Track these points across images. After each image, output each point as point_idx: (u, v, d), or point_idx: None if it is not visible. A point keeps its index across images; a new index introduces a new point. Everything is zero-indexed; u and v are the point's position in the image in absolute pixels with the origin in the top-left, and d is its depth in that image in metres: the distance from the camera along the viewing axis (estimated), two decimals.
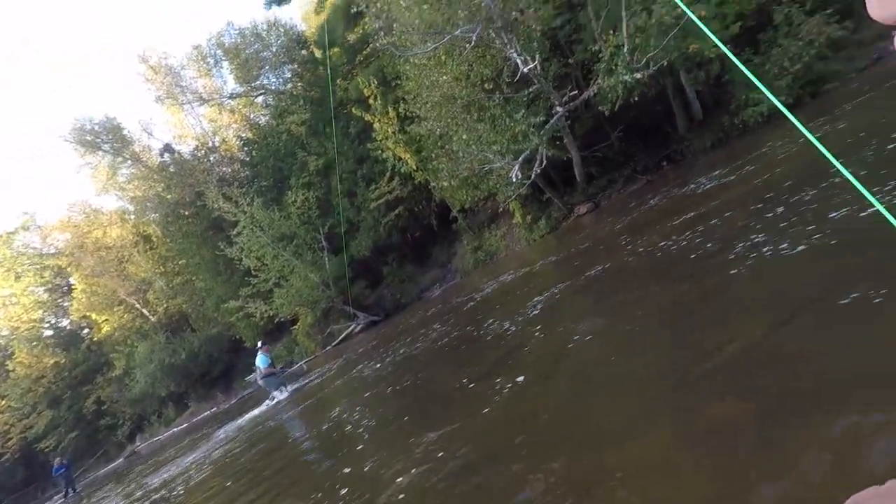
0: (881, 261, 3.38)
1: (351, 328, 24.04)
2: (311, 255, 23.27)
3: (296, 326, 26.95)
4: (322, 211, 22.69)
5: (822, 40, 13.37)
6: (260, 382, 15.06)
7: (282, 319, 25.48)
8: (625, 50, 12.82)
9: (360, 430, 6.02)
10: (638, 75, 12.90)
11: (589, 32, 14.36)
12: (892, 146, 5.77)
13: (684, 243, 6.43)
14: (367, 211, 22.79)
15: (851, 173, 1.30)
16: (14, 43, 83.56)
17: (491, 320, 8.34)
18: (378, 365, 10.73)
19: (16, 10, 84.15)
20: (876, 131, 6.80)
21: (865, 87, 11.20)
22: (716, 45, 12.89)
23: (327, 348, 24.27)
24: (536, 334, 6.09)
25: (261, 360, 14.31)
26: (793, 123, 1.45)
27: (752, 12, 13.98)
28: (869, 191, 1.18)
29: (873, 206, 1.11)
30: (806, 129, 1.40)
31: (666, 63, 13.12)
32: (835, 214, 4.54)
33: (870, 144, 6.17)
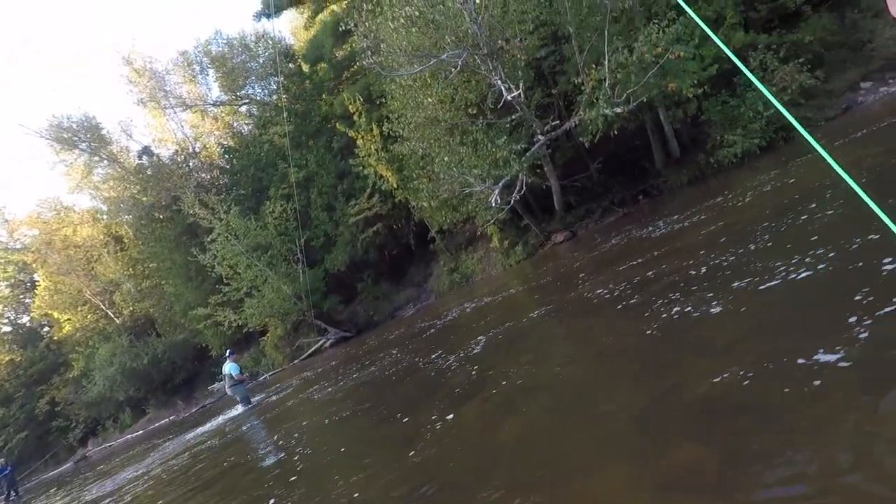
0: (843, 308, 3.39)
1: (321, 343, 23.65)
2: (285, 267, 22.95)
3: (265, 337, 26.42)
4: (299, 223, 22.47)
5: (795, 87, 13.84)
6: (228, 391, 14.70)
7: (250, 329, 24.97)
8: (606, 84, 13.05)
9: (297, 459, 5.81)
10: (618, 110, 13.13)
11: (572, 65, 14.62)
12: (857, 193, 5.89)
13: (657, 279, 6.44)
14: (345, 226, 22.62)
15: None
16: (14, 43, 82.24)
17: (458, 345, 8.23)
18: (331, 388, 10.49)
19: (16, 10, 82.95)
20: (836, 180, 6.96)
21: (835, 136, 11.57)
22: (693, 84, 13.28)
23: (295, 362, 23.80)
24: (501, 364, 6.00)
25: (231, 368, 13.97)
26: (807, 142, 1.41)
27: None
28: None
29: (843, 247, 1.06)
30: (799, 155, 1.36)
31: (645, 100, 13.40)
32: (797, 258, 4.58)
33: (837, 189, 6.31)
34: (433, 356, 8.42)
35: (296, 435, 7.58)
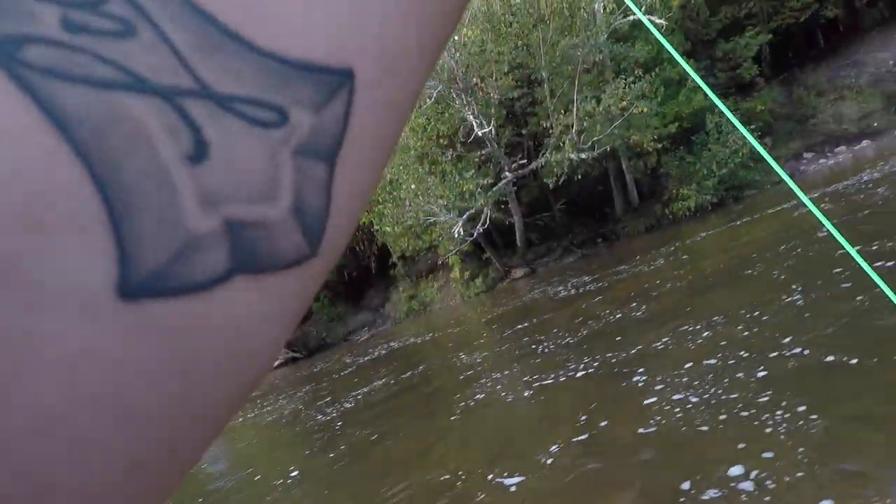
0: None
1: None
2: None
3: None
4: None
5: (746, 151, 14.76)
6: None
7: None
8: (574, 130, 13.59)
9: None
10: (583, 155, 13.65)
11: (543, 109, 15.16)
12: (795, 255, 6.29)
13: (609, 323, 6.61)
14: None
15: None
16: None
17: (408, 377, 8.15)
18: (271, 409, 10.15)
19: None
20: (773, 241, 7.44)
21: (781, 200, 12.36)
22: (654, 139, 14.01)
23: None
24: (443, 402, 5.96)
25: None
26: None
27: (689, 116, 15.32)
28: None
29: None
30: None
31: (609, 149, 14.01)
32: (722, 315, 4.81)
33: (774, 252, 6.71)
34: (379, 383, 8.29)
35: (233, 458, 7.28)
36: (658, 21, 14.12)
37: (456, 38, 13.56)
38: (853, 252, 1.13)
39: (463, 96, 14.12)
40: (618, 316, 6.82)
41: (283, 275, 0.15)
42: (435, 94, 13.86)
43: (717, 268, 7.53)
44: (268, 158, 0.14)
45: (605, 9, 14.48)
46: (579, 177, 14.72)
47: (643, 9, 14.29)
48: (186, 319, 0.13)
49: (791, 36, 19.64)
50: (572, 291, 10.51)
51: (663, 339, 5.13)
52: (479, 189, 14.72)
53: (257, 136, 0.14)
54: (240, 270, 0.14)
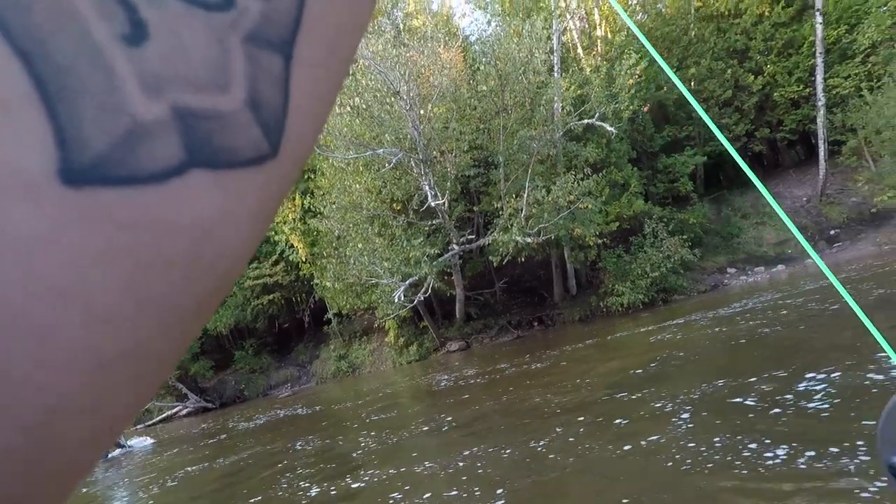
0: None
1: (176, 410, 21.07)
2: None
3: None
4: None
5: (677, 258, 15.77)
6: None
7: None
8: (522, 215, 14.15)
9: None
10: (529, 239, 14.14)
11: (496, 190, 15.79)
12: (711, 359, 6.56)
13: (531, 408, 6.56)
14: (239, 287, 21.35)
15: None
16: None
17: (322, 447, 7.67)
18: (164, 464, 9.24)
19: None
20: (700, 344, 7.80)
21: (708, 307, 13.12)
22: (596, 234, 14.77)
23: (138, 426, 20.83)
24: (356, 480, 5.62)
25: None
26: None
27: (629, 218, 16.35)
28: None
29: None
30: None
31: (553, 237, 14.60)
32: (647, 407, 4.89)
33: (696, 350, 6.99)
34: (277, 446, 7.75)
35: None
36: (609, 128, 15.37)
37: (422, 111, 14.16)
38: (876, 333, 0.98)
39: (422, 166, 14.53)
40: (538, 401, 6.81)
41: (242, 172, 0.15)
42: (395, 161, 14.19)
43: (636, 367, 7.75)
44: (215, 43, 0.14)
45: (562, 109, 15.64)
46: (523, 259, 15.16)
47: (596, 116, 15.56)
48: (141, 211, 0.13)
49: (723, 162, 21.79)
50: (504, 373, 10.48)
51: (574, 433, 5.12)
52: (425, 257, 14.81)
53: (201, 19, 0.14)
54: (195, 164, 0.14)
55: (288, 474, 6.57)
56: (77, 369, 0.12)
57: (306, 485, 5.82)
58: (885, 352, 0.90)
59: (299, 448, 8.05)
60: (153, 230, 0.13)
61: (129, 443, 14.99)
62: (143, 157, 0.13)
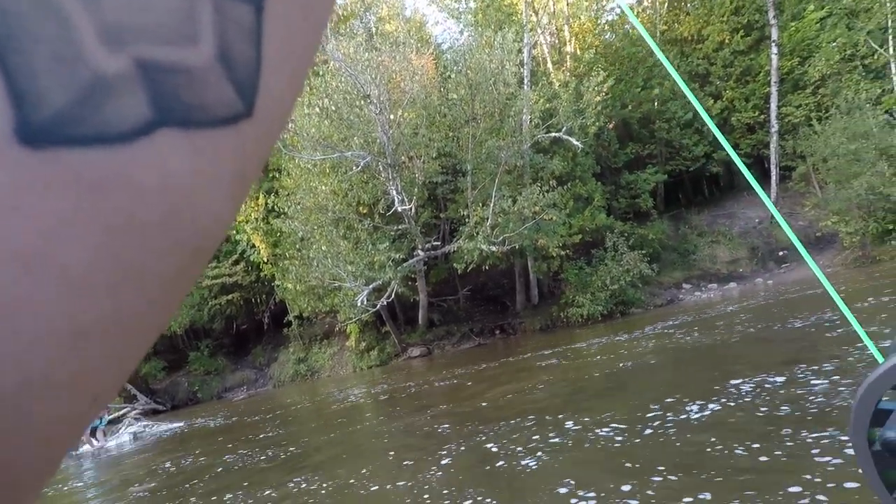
0: None
1: (124, 412, 20.20)
2: None
3: None
4: None
5: (636, 272, 16.20)
6: None
7: None
8: (488, 224, 14.28)
9: None
10: (493, 248, 14.27)
11: (463, 198, 15.90)
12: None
13: (487, 419, 6.59)
14: (197, 286, 20.70)
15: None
16: None
17: (276, 455, 7.50)
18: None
19: None
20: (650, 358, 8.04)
21: (664, 318, 13.52)
22: (559, 246, 15.04)
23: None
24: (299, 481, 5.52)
25: None
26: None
27: (591, 231, 16.73)
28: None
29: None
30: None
31: (518, 246, 14.79)
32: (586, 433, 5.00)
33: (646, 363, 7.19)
34: (252, 458, 7.56)
35: None
36: (575, 143, 15.72)
37: (392, 116, 14.15)
38: (860, 331, 1.05)
39: (389, 171, 14.49)
40: (493, 407, 6.87)
41: (215, 132, 0.14)
42: (363, 164, 14.11)
43: (592, 376, 7.92)
44: None
45: (531, 121, 15.90)
46: (487, 267, 15.29)
47: (563, 130, 15.89)
48: (108, 173, 0.12)
49: (682, 181, 22.61)
50: (465, 380, 10.52)
51: (539, 439, 5.18)
52: (390, 262, 14.75)
53: None
54: (164, 123, 0.13)
55: (233, 477, 6.40)
56: (53, 340, 0.12)
57: (252, 487, 5.68)
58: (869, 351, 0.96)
59: (246, 452, 7.86)
60: (123, 193, 0.12)
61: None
62: (108, 115, 0.12)
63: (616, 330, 12.97)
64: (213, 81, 0.14)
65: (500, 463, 4.79)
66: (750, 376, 5.78)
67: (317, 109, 13.90)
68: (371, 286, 14.78)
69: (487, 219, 14.35)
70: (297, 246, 16.85)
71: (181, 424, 14.10)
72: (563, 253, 15.41)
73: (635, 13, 23.76)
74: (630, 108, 20.45)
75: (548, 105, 16.76)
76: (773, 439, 3.96)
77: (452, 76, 15.51)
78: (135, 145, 0.13)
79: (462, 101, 15.28)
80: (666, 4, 22.49)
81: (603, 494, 3.71)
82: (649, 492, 3.58)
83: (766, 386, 5.34)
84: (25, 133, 0.11)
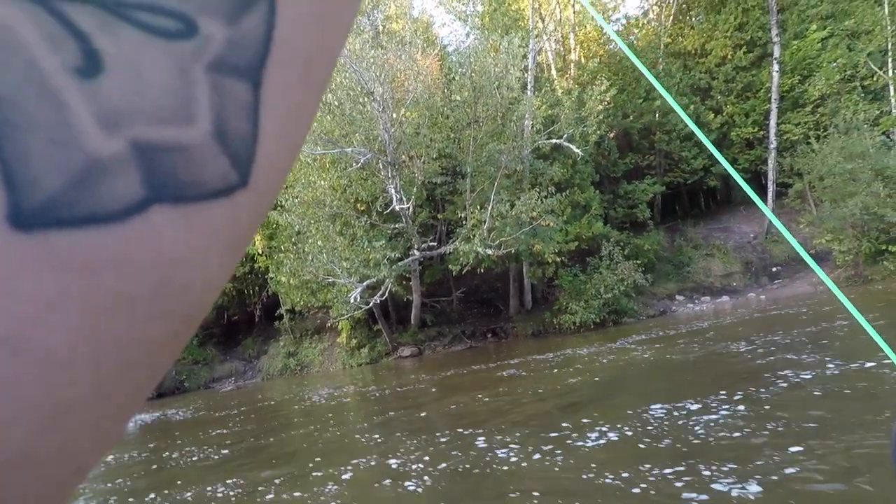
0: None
1: None
2: None
3: None
4: None
5: (630, 282, 16.26)
6: None
7: None
8: (485, 227, 14.29)
9: None
10: (489, 251, 14.28)
11: (461, 200, 15.91)
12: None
13: (476, 423, 6.59)
14: None
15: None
16: None
17: (261, 453, 7.47)
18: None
19: None
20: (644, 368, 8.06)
21: (657, 329, 13.57)
22: (555, 252, 15.06)
23: None
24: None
25: None
26: None
27: (587, 239, 16.77)
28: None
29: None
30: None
31: (513, 251, 14.80)
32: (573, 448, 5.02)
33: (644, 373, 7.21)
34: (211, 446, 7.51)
35: None
36: (575, 150, 15.77)
37: (394, 115, 14.14)
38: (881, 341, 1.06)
39: (389, 169, 14.48)
40: (480, 409, 6.87)
41: (209, 205, 0.14)
42: (363, 161, 14.09)
43: (584, 384, 7.94)
44: (176, 74, 0.13)
45: (533, 126, 15.94)
46: (482, 270, 15.29)
47: (564, 137, 15.94)
48: (99, 252, 0.12)
49: (679, 193, 22.73)
50: (452, 382, 10.51)
51: (522, 449, 5.19)
52: (385, 260, 14.72)
53: (161, 49, 0.13)
54: (157, 199, 0.13)
55: (214, 467, 6.36)
56: (33, 420, 0.12)
57: (233, 478, 5.65)
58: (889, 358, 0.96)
59: (230, 443, 7.82)
60: (113, 271, 0.12)
61: None
62: (101, 196, 0.12)
63: (608, 338, 13.01)
64: (209, 157, 0.14)
65: (475, 465, 4.79)
66: (671, 402, 5.84)
67: (320, 104, 13.87)
68: (365, 283, 14.76)
69: (485, 222, 14.36)
70: (293, 239, 16.79)
71: (145, 417, 13.90)
72: (558, 259, 15.45)
73: (640, 25, 23.94)
74: (631, 118, 20.54)
75: (550, 112, 16.80)
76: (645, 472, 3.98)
77: (456, 78, 15.53)
78: (127, 224, 0.12)
79: (465, 104, 15.29)
80: (671, 18, 22.61)
81: None
82: None
83: (675, 414, 5.39)
84: (17, 217, 0.11)
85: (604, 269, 16.50)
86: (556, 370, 9.65)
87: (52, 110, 0.11)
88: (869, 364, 5.88)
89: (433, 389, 10.08)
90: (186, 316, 0.15)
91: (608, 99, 17.46)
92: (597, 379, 8.05)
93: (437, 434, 6.40)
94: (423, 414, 7.78)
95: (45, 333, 0.11)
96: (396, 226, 15.49)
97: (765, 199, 19.41)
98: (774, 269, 17.48)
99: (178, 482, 6.23)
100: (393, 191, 14.47)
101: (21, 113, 0.11)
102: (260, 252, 19.11)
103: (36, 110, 0.11)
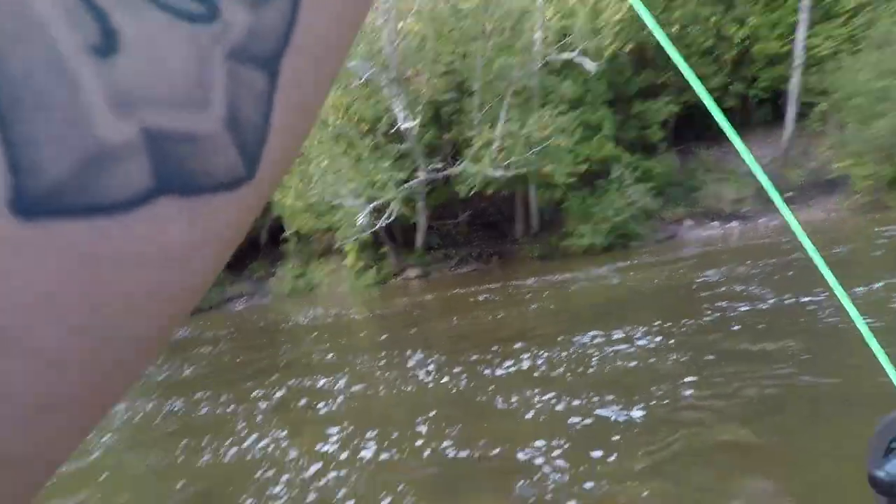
0: None
1: None
2: None
3: None
4: None
5: (640, 206, 16.01)
6: None
7: None
8: (494, 147, 13.86)
9: None
10: (498, 173, 13.96)
11: (469, 119, 15.33)
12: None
13: (481, 339, 6.69)
14: None
15: None
16: None
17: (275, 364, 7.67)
18: None
19: None
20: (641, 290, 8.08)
21: (662, 252, 13.53)
22: (565, 174, 14.71)
23: None
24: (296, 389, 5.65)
25: None
26: None
27: (597, 160, 16.32)
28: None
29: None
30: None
31: (523, 172, 14.46)
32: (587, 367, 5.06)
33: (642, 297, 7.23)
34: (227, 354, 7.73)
35: None
36: (588, 65, 14.95)
37: (398, 25, 13.30)
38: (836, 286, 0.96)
39: (394, 86, 13.84)
40: (486, 329, 6.97)
41: (214, 198, 0.14)
42: (365, 77, 13.43)
43: (588, 304, 7.99)
44: (195, 59, 0.13)
45: (544, 39, 15.01)
46: (489, 192, 15.04)
47: (577, 51, 15.04)
48: (101, 244, 0.12)
49: (693, 115, 21.80)
50: (459, 302, 10.63)
51: (524, 360, 5.26)
52: (391, 181, 14.47)
53: (182, 32, 0.12)
54: (164, 191, 0.12)
55: (239, 380, 6.58)
56: (15, 416, 0.11)
57: (257, 390, 5.84)
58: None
59: (246, 358, 8.06)
60: (113, 265, 0.12)
61: None
62: (107, 185, 0.11)
63: (615, 262, 12.99)
64: (219, 147, 0.13)
65: (488, 379, 4.88)
66: (604, 330, 5.89)
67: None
68: (371, 205, 14.61)
69: (494, 141, 13.92)
70: (297, 161, 16.43)
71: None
72: (568, 181, 15.09)
73: None
74: (646, 31, 19.27)
75: (563, 23, 15.74)
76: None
77: None
78: (131, 215, 0.12)
79: (473, 13, 14.31)
80: None
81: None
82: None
83: (596, 342, 5.46)
84: (21, 204, 0.10)
85: (613, 192, 16.18)
86: (560, 291, 9.72)
87: (65, 90, 0.11)
88: (805, 299, 5.72)
89: (440, 308, 10.23)
90: (179, 312, 0.14)
91: (626, 8, 16.28)
92: (552, 307, 8.11)
93: (439, 349, 6.52)
94: (426, 330, 7.91)
95: (37, 329, 0.11)
96: (402, 146, 15.08)
97: (783, 121, 18.66)
98: (789, 195, 17.11)
99: (218, 386, 6.46)
100: (398, 109, 13.93)
101: (33, 92, 0.10)
102: None
103: (49, 90, 0.10)
